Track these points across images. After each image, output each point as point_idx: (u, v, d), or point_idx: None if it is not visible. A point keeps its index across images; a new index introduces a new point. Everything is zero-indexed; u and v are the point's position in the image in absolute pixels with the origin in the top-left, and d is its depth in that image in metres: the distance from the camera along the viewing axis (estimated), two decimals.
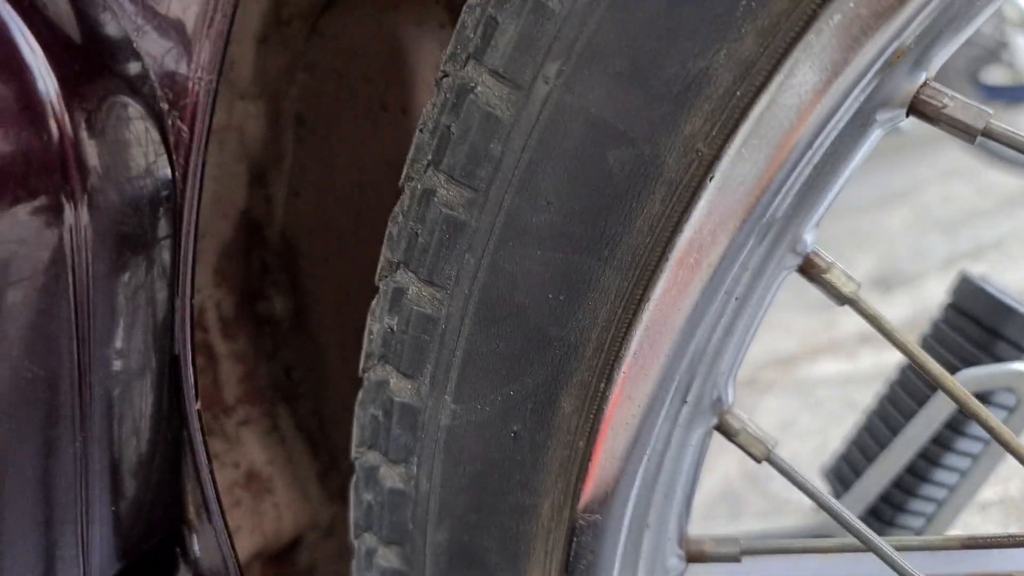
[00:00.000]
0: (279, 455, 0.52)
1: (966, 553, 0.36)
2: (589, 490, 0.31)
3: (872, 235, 2.87)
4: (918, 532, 0.52)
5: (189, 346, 0.26)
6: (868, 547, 0.32)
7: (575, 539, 0.31)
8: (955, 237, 2.49)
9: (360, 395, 0.33)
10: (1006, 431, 0.31)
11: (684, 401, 0.31)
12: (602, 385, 0.29)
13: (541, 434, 0.30)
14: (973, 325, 0.50)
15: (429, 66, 0.44)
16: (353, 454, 0.34)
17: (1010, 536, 0.33)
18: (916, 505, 0.51)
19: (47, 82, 0.22)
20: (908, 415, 0.52)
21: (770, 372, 1.96)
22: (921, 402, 0.52)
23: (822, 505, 0.32)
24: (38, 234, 0.22)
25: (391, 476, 0.32)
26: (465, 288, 0.29)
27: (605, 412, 0.30)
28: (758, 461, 0.32)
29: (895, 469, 0.51)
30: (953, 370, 0.50)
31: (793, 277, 0.31)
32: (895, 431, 0.51)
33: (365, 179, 0.46)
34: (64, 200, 0.22)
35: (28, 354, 0.22)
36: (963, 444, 0.51)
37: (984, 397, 0.49)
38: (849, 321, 2.18)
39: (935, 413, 0.50)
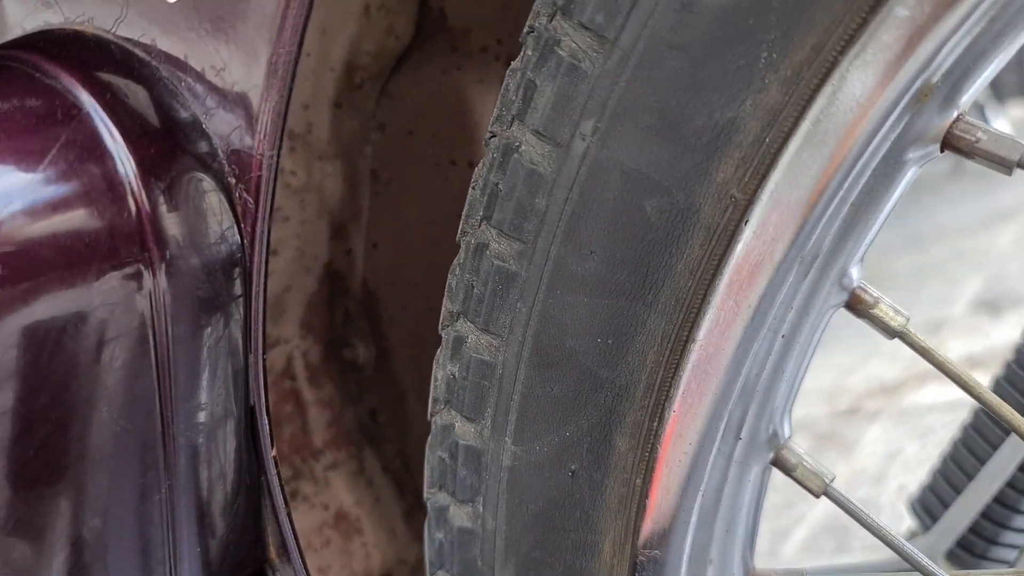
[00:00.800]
0: (366, 496, 0.54)
1: None
2: (648, 526, 0.32)
3: (979, 256, 2.76)
4: (1011, 565, 0.50)
5: (263, 397, 0.29)
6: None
7: (637, 575, 0.32)
8: None
9: (429, 439, 0.35)
10: None
11: (738, 438, 0.31)
12: (655, 424, 0.30)
13: (598, 472, 0.31)
14: None
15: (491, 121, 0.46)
16: (425, 495, 0.35)
17: None
18: (1008, 537, 0.50)
19: (126, 164, 0.25)
20: (995, 444, 0.51)
21: (875, 401, 1.91)
22: (1008, 431, 0.50)
23: (884, 539, 0.32)
24: (123, 300, 0.25)
25: (459, 515, 0.34)
26: (519, 335, 0.30)
27: (659, 450, 0.31)
28: (816, 496, 0.33)
29: (983, 500, 0.49)
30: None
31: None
32: (982, 460, 0.50)
33: (437, 230, 0.48)
34: (144, 269, 0.25)
35: (118, 409, 0.25)
36: None
37: None
38: (957, 345, 2.10)
39: (1009, 455, 0.48)
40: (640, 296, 0.28)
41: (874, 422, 1.79)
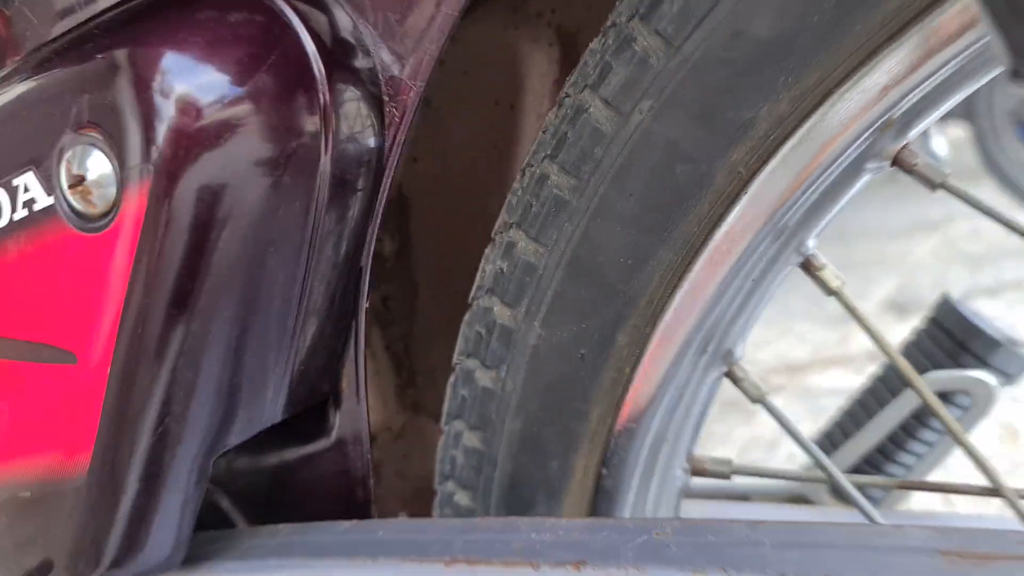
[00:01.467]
0: (368, 367, 0.64)
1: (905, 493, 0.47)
2: (629, 405, 0.43)
3: (898, 261, 2.95)
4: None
5: (370, 263, 0.38)
6: (830, 478, 0.44)
7: (612, 440, 0.43)
8: (977, 272, 2.57)
9: (467, 316, 0.45)
10: (958, 427, 0.42)
11: (705, 351, 0.42)
12: (648, 329, 0.41)
13: (600, 359, 0.42)
14: (945, 336, 0.61)
15: (536, 75, 0.55)
16: (455, 360, 0.46)
17: (947, 483, 0.44)
18: (893, 469, 0.63)
19: (318, 67, 0.34)
20: (883, 404, 0.64)
21: (780, 377, 2.07)
22: (895, 394, 0.63)
23: (800, 443, 0.44)
24: (304, 173, 0.34)
25: (484, 378, 0.44)
26: (561, 247, 0.40)
27: (648, 350, 0.41)
28: (753, 402, 0.44)
29: (879, 437, 0.62)
30: (923, 371, 0.61)
31: (808, 291, 0.42)
32: (882, 406, 0.63)
33: (472, 157, 0.58)
34: (322, 153, 0.34)
35: (283, 253, 0.34)
36: (924, 434, 0.63)
37: (945, 396, 0.61)
38: (863, 338, 2.27)
39: (904, 404, 0.61)
40: (659, 232, 0.39)
41: (776, 396, 1.95)
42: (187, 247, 0.33)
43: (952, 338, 0.60)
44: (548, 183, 0.40)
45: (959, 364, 0.60)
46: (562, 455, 0.44)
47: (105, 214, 0.34)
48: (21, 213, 0.36)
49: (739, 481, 0.64)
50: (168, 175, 0.32)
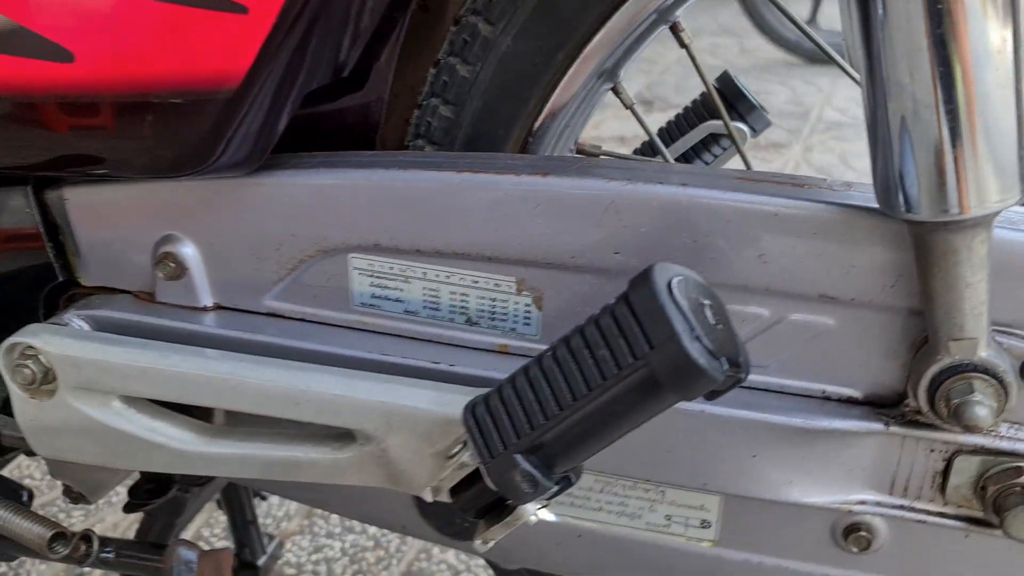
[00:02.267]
0: None
1: None
2: (552, 100, 0.68)
3: (650, 63, 3.35)
4: None
5: None
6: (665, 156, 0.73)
7: (538, 120, 0.68)
8: (711, 77, 3.02)
9: (455, 29, 0.67)
10: (740, 142, 0.72)
11: (600, 76, 0.68)
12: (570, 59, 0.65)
13: (544, 68, 0.66)
14: (722, 96, 0.91)
15: None
16: (439, 56, 0.68)
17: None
18: None
19: None
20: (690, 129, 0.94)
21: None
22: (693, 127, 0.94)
23: (647, 131, 0.72)
24: None
25: (463, 70, 0.67)
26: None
27: (570, 69, 0.66)
28: (627, 107, 0.71)
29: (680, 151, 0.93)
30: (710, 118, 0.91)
31: None
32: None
33: None
34: None
35: None
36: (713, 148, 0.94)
37: (717, 137, 0.91)
38: (614, 124, 2.66)
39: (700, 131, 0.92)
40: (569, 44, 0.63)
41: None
42: None
43: (726, 98, 0.91)
44: None
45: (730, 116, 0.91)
46: (505, 126, 0.69)
47: None
48: None
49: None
50: None
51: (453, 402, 0.58)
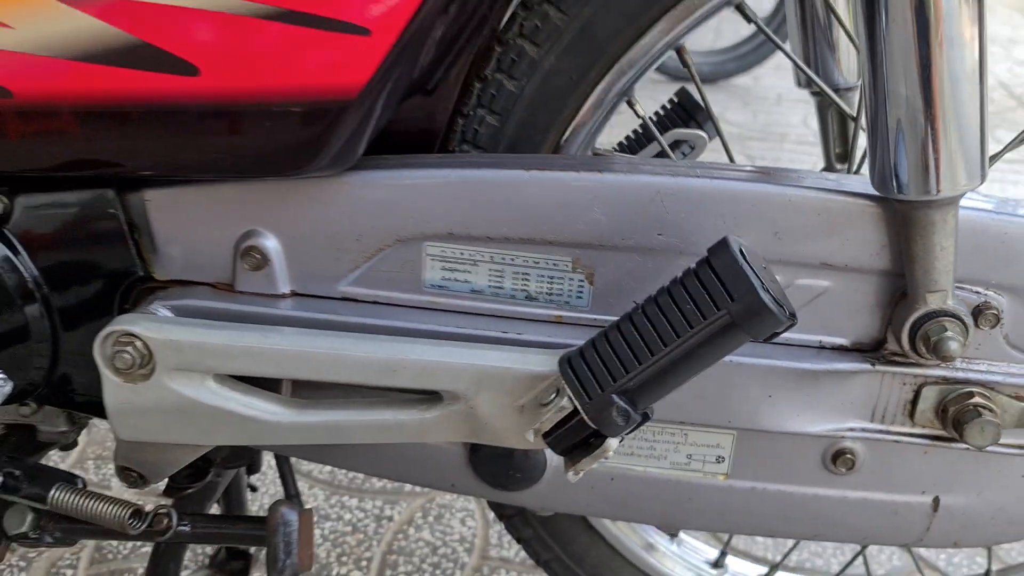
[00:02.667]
0: None
1: None
2: (582, 112, 0.80)
3: None
4: None
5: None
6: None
7: (570, 128, 0.81)
8: None
9: (499, 50, 0.78)
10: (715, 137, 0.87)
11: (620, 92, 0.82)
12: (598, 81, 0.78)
13: (580, 85, 0.78)
14: (682, 109, 1.06)
15: None
16: (486, 73, 0.79)
17: None
18: None
19: None
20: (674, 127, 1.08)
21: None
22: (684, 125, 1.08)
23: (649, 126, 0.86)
24: None
25: (509, 84, 0.79)
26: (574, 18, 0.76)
27: (596, 91, 0.79)
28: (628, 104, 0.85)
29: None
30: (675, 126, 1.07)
31: None
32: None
33: None
34: None
35: None
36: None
37: (680, 142, 1.07)
38: None
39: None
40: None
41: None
42: None
43: (685, 110, 1.06)
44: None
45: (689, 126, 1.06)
46: (543, 133, 0.81)
47: None
48: None
49: None
50: None
51: (534, 361, 0.70)
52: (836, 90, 1.02)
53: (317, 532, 1.34)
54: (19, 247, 0.79)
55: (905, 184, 0.66)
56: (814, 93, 1.07)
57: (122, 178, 0.76)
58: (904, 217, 0.68)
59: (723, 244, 0.61)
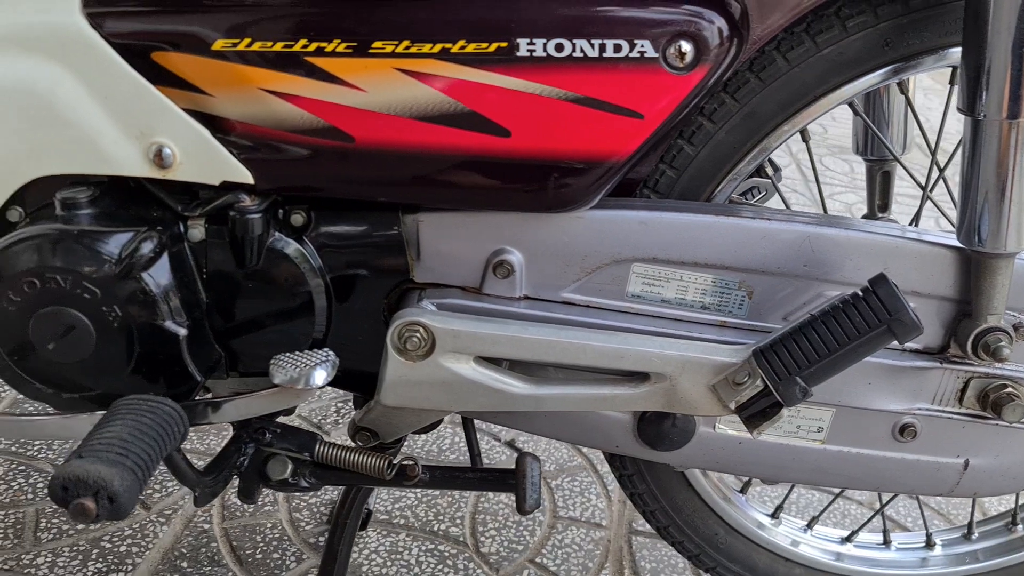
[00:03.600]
0: None
1: None
2: (734, 171, 1.09)
3: None
4: None
5: None
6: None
7: (725, 179, 1.09)
8: None
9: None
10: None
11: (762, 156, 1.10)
12: (751, 149, 1.07)
13: (737, 155, 1.06)
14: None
15: None
16: (673, 143, 1.06)
17: None
18: None
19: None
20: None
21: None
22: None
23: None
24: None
25: (688, 149, 1.06)
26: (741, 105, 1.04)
27: (748, 156, 1.08)
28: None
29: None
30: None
31: None
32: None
33: None
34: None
35: None
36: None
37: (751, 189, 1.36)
38: None
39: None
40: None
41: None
42: None
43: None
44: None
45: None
46: (705, 185, 1.08)
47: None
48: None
49: None
50: None
51: (724, 352, 0.98)
52: (883, 159, 1.34)
53: (412, 495, 1.58)
54: (314, 251, 1.01)
55: (984, 240, 0.97)
56: (868, 159, 1.38)
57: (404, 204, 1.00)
58: (978, 263, 1.00)
59: (882, 277, 0.91)
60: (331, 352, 0.96)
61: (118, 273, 0.91)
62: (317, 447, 1.05)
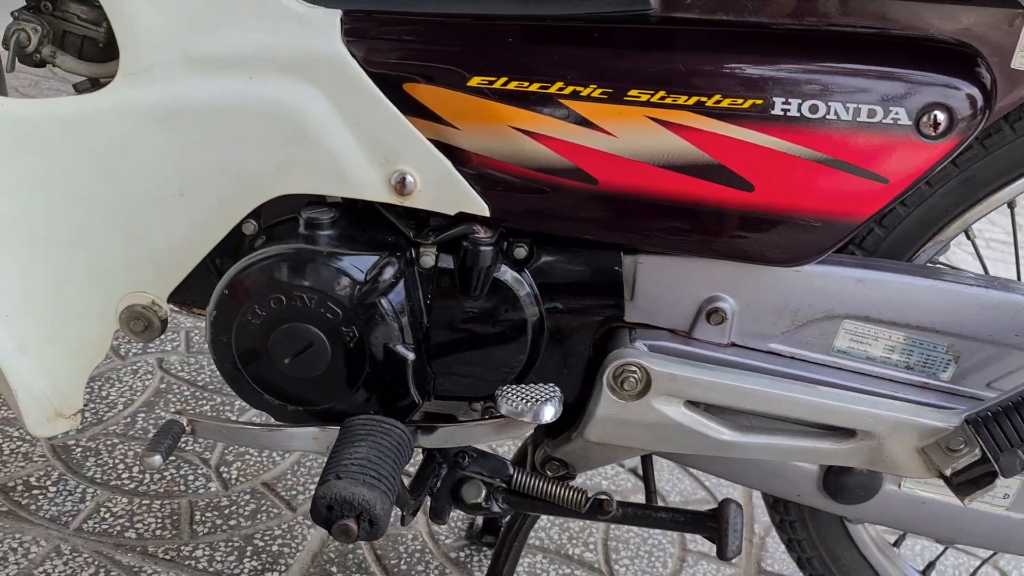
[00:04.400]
0: None
1: None
2: (934, 240, 1.09)
3: None
4: None
5: None
6: None
7: (916, 254, 1.10)
8: None
9: None
10: None
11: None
12: (950, 222, 1.07)
13: (936, 226, 1.07)
14: None
15: None
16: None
17: None
18: None
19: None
20: None
21: None
22: None
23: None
24: None
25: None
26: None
27: (948, 228, 1.08)
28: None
29: None
30: None
31: None
32: None
33: None
34: None
35: None
36: None
37: None
38: None
39: None
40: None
41: None
42: None
43: None
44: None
45: None
46: (912, 244, 1.09)
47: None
48: None
49: None
50: None
51: (936, 417, 0.99)
52: None
53: (545, 519, 1.60)
54: (533, 283, 1.03)
55: None
56: None
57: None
58: None
59: None
60: (557, 388, 0.98)
61: (361, 296, 0.94)
62: (515, 475, 1.07)
